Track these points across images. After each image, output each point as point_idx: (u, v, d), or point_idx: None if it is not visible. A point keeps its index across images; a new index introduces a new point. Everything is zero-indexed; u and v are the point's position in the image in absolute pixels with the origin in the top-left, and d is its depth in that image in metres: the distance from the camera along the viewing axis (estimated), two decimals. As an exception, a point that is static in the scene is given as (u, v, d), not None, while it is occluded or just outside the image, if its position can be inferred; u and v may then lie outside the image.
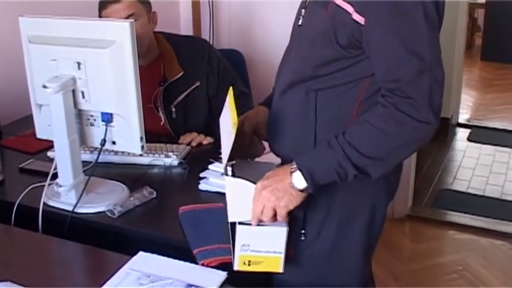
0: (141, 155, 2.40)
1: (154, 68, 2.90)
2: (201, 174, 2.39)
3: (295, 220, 1.87)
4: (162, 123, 2.90)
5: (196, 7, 4.28)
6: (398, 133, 1.68)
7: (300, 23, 1.92)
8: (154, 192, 2.30)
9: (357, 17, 1.68)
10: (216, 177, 2.35)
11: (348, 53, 1.76)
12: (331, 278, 1.97)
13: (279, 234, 1.78)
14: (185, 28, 4.38)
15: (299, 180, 1.73)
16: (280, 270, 1.81)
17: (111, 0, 2.78)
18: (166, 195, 2.33)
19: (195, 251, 1.92)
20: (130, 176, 2.46)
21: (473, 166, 5.23)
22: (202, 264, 1.87)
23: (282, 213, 1.76)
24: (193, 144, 2.76)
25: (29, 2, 3.03)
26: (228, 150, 1.80)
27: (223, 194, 2.24)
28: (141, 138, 2.17)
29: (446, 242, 4.17)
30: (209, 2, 4.24)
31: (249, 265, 1.78)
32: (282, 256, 1.79)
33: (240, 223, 1.79)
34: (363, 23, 1.68)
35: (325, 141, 1.74)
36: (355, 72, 1.78)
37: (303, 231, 1.91)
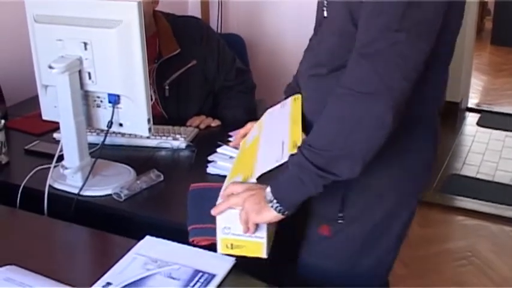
0: (148, 138, 2.36)
1: (149, 44, 2.82)
2: (209, 158, 2.35)
3: (333, 200, 1.81)
4: (152, 102, 2.86)
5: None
6: (343, 113, 1.60)
7: (325, 14, 1.83)
8: (162, 175, 2.26)
9: None
10: (224, 161, 2.31)
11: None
12: (360, 266, 1.90)
13: None
14: (193, 11, 4.34)
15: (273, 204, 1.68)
16: (263, 255, 1.75)
17: None
18: (173, 178, 2.30)
19: (189, 228, 1.89)
20: (138, 158, 2.43)
21: (482, 151, 5.19)
22: (193, 241, 1.85)
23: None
24: (202, 126, 2.74)
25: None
26: (270, 165, 1.75)
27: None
28: (149, 120, 2.14)
29: (455, 228, 4.15)
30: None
31: (231, 248, 1.74)
32: (264, 241, 1.73)
33: None
34: None
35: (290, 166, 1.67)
36: None
37: (340, 214, 1.83)
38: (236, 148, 2.20)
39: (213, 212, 1.73)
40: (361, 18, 1.59)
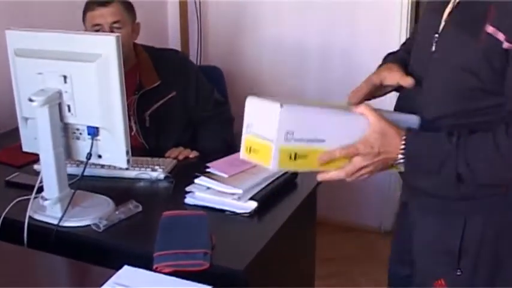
0: (127, 169, 2.38)
1: (130, 76, 2.85)
2: (187, 188, 2.39)
3: (450, 254, 1.84)
4: (133, 133, 2.89)
5: (184, 23, 4.30)
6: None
7: (433, 49, 1.80)
8: (140, 206, 2.30)
9: (507, 45, 1.61)
10: (201, 191, 2.35)
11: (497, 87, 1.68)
12: None
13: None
14: (173, 43, 4.40)
15: (401, 166, 1.71)
16: (270, 165, 1.58)
17: (99, 2, 2.79)
18: (152, 209, 2.32)
19: (154, 254, 1.93)
20: (116, 189, 2.46)
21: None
22: (156, 268, 1.88)
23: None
24: (180, 157, 2.77)
25: (15, 14, 3.03)
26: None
27: (209, 208, 2.27)
28: (127, 152, 2.17)
29: None
30: (197, 19, 4.28)
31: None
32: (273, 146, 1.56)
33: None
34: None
35: (445, 135, 1.67)
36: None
37: (458, 270, 1.86)
38: None
39: (325, 157, 1.64)
40: None
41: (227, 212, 2.27)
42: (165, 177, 2.55)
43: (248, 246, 2.10)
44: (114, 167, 2.45)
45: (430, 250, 1.92)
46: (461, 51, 1.71)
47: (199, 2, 4.34)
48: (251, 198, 2.29)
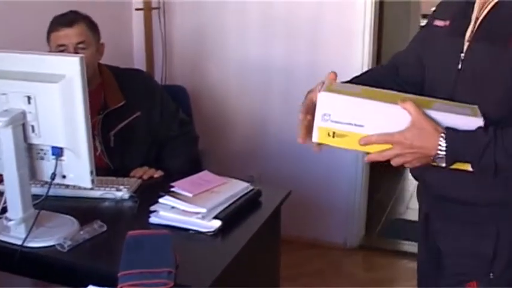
0: (92, 189, 2.39)
1: (94, 96, 2.87)
2: (152, 208, 2.40)
3: (483, 258, 1.93)
4: (98, 153, 2.90)
5: (149, 43, 4.32)
6: None
7: (459, 67, 1.91)
8: (105, 226, 2.30)
9: None
10: (166, 211, 2.36)
11: None
12: None
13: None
14: (138, 63, 4.42)
15: (440, 161, 1.75)
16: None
17: (64, 23, 2.80)
18: (116, 228, 2.33)
19: (119, 274, 1.93)
20: (81, 209, 2.46)
21: (425, 196, 5.29)
22: None
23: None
24: (145, 177, 2.78)
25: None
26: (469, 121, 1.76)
27: (174, 228, 2.28)
28: (91, 172, 2.17)
29: (399, 272, 4.22)
30: (162, 38, 4.30)
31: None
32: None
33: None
34: None
35: (481, 130, 1.73)
36: None
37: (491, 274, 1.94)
38: None
39: (363, 141, 1.75)
40: None
41: (191, 231, 2.29)
42: (130, 197, 2.56)
43: (212, 264, 2.11)
44: (79, 187, 2.45)
45: (461, 254, 2.00)
46: (493, 63, 1.83)
47: (164, 22, 4.37)
48: (215, 217, 2.31)
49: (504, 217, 1.91)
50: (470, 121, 1.72)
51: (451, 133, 1.72)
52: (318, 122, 1.80)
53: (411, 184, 5.59)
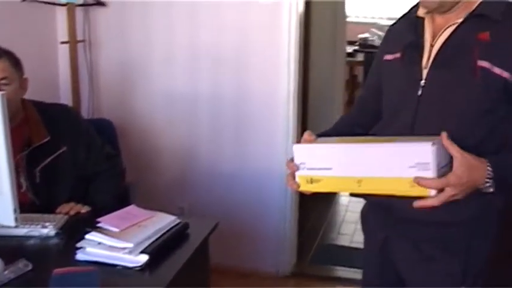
0: (16, 227, 2.35)
1: (18, 133, 2.83)
2: (78, 244, 2.37)
3: (453, 277, 2.03)
4: (23, 190, 2.86)
5: (74, 76, 4.29)
6: None
7: (419, 93, 2.00)
8: (30, 265, 2.27)
9: (506, 75, 1.87)
10: (93, 247, 2.34)
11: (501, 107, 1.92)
12: None
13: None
14: (64, 97, 4.39)
15: (488, 188, 1.83)
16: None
17: None
18: (42, 267, 2.28)
19: None
20: (6, 248, 2.41)
21: (355, 220, 5.35)
22: None
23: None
24: (71, 213, 2.75)
25: None
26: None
27: (101, 264, 2.26)
28: (15, 210, 2.15)
29: (333, 297, 4.25)
30: (88, 72, 4.29)
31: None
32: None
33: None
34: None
35: None
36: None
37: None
38: None
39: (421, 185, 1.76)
40: None
41: (119, 267, 2.27)
42: (56, 234, 2.53)
43: (140, 299, 2.11)
44: (3, 226, 2.42)
45: (429, 273, 2.07)
46: (458, 89, 1.93)
47: (90, 55, 4.36)
48: (142, 252, 2.30)
49: (475, 234, 2.00)
50: (420, 146, 1.77)
51: (494, 160, 1.83)
52: (297, 172, 1.97)
53: (342, 209, 5.66)
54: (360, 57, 8.58)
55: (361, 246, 4.66)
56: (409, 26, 2.10)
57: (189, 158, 4.39)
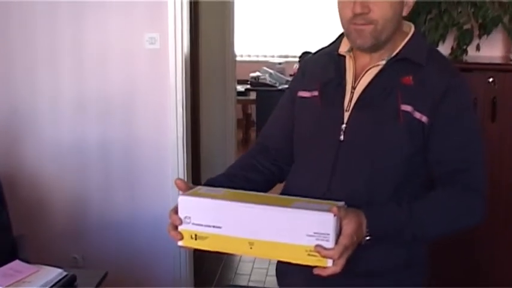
0: None
1: None
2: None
3: None
4: None
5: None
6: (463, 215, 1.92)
7: (341, 138, 1.95)
8: None
9: (425, 119, 1.88)
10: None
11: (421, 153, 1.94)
12: None
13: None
14: None
15: (366, 241, 1.79)
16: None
17: None
18: None
19: None
20: None
21: (252, 259, 5.38)
22: None
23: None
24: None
25: None
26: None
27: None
28: None
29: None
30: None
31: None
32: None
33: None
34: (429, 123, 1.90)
35: (395, 205, 1.85)
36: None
37: None
38: None
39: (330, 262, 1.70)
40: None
41: (3, 325, 2.24)
42: None
43: None
44: None
45: None
46: (381, 134, 1.92)
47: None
48: (28, 308, 2.27)
49: (403, 283, 1.97)
50: (321, 216, 1.71)
51: (371, 216, 1.78)
52: (180, 226, 1.81)
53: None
54: (253, 95, 8.64)
55: (259, 285, 4.77)
56: (329, 62, 2.04)
57: (80, 206, 4.34)
